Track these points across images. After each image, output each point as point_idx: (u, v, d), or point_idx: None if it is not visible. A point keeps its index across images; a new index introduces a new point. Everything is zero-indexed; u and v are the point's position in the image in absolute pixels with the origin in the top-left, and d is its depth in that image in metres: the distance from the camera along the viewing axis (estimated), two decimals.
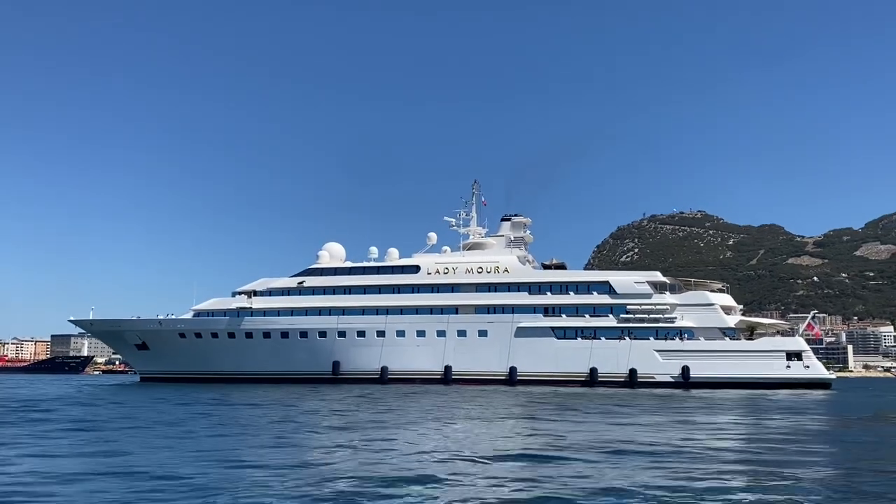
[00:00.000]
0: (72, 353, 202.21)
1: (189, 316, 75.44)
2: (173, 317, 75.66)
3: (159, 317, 75.27)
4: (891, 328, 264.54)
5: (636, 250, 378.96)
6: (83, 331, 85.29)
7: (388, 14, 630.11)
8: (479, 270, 71.22)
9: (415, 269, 72.85)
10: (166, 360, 74.52)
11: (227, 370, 72.44)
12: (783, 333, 70.35)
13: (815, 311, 76.92)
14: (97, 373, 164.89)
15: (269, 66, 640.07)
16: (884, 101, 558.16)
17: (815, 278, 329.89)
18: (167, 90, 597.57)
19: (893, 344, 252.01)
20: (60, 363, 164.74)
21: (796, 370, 62.31)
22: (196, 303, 76.26)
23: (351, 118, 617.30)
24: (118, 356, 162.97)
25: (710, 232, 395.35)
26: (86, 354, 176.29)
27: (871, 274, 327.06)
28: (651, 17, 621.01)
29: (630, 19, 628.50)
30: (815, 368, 63.62)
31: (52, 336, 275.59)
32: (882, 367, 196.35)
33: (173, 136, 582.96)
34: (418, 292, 71.59)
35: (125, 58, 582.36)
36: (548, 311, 68.61)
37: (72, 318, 78.40)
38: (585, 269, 72.21)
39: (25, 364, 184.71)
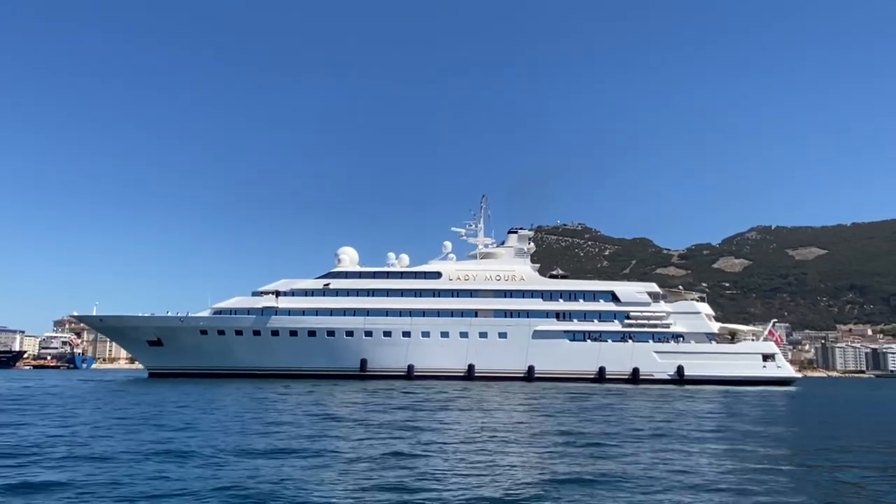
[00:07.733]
0: None
1: (207, 314, 76.10)
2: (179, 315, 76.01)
3: (178, 314, 75.35)
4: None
5: None
6: (90, 326, 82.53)
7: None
8: (497, 278, 77.99)
9: (437, 274, 78.25)
10: (182, 356, 74.82)
11: (249, 366, 74.09)
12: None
13: (776, 320, 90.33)
14: (28, 367, 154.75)
15: (288, 75, 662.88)
16: (740, 130, 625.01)
17: (680, 287, 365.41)
18: (182, 90, 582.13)
19: None
20: None
21: (770, 370, 74.32)
22: (212, 302, 77.19)
23: (363, 135, 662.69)
24: (48, 352, 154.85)
25: (590, 243, 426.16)
26: (18, 349, 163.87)
27: (727, 284, 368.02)
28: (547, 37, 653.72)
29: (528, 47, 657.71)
30: (785, 368, 76.27)
31: None
32: None
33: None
34: (440, 296, 77.08)
35: (148, 48, 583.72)
36: (560, 315, 76.59)
37: (76, 314, 76.31)
38: None
39: None
